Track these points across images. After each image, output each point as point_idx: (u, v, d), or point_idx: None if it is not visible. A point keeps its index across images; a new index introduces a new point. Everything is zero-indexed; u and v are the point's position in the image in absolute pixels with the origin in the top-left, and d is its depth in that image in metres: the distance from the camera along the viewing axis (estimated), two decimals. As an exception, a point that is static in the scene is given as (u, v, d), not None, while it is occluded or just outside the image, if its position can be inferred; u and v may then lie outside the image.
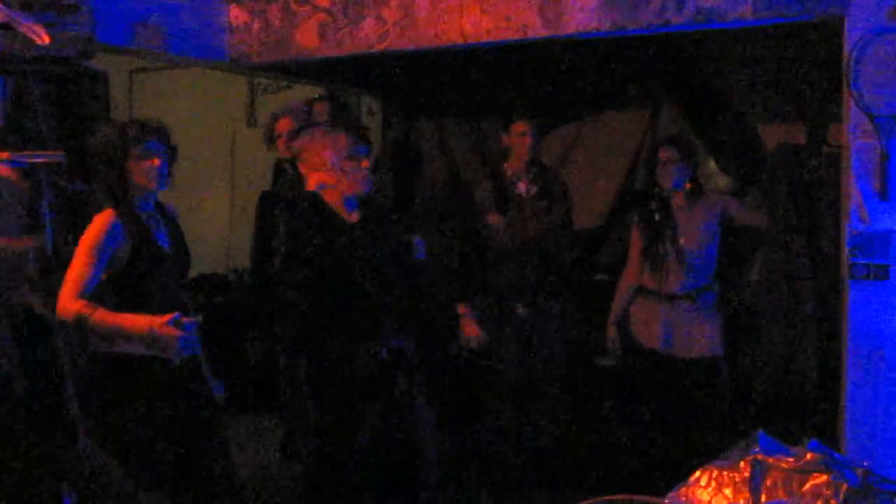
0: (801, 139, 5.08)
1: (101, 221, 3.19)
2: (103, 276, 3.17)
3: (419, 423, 3.65)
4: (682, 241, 4.34)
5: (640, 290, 4.49)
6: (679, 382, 4.38)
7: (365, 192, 3.55)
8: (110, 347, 3.17)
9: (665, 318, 4.38)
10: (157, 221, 3.34)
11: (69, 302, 3.05)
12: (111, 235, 3.15)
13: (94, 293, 3.13)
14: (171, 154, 3.33)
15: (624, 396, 4.94)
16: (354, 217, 3.57)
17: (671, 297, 4.36)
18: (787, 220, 4.90)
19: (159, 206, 3.38)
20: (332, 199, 3.53)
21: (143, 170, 3.24)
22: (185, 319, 3.06)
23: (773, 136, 5.11)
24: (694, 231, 4.35)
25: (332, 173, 3.49)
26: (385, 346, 3.51)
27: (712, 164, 5.09)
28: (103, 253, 3.14)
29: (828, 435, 3.99)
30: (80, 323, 3.04)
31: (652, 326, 4.41)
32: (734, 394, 4.50)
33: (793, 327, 4.97)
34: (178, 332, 3.02)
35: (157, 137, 3.29)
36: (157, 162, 3.26)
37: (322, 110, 4.98)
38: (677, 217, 4.37)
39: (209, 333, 3.48)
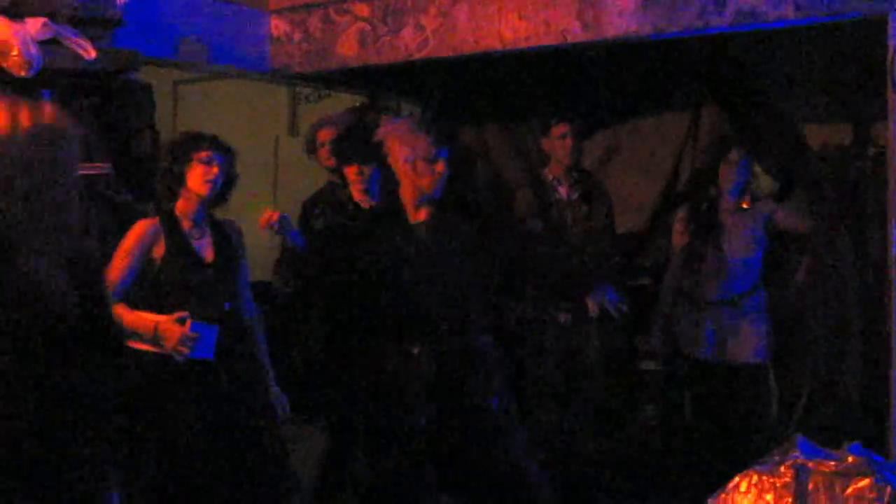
0: (847, 140, 5.01)
1: (140, 226, 3.33)
2: (139, 280, 3.29)
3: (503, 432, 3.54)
4: (724, 247, 4.28)
5: (683, 295, 4.45)
6: (723, 389, 4.34)
7: (435, 194, 3.53)
8: (135, 344, 3.25)
9: (708, 323, 4.34)
10: (203, 231, 3.40)
11: None
12: (147, 238, 3.29)
13: (127, 295, 3.27)
14: (229, 171, 3.43)
15: (667, 401, 4.90)
16: (421, 215, 3.55)
17: (713, 303, 4.32)
18: (832, 223, 4.83)
19: (210, 217, 3.44)
20: (403, 196, 3.54)
21: (200, 174, 3.34)
22: (195, 321, 3.16)
23: (817, 136, 5.04)
24: (738, 239, 4.30)
25: (404, 171, 3.50)
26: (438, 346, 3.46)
27: (755, 166, 5.03)
28: (137, 254, 3.28)
29: (876, 440, 3.93)
30: None
31: (695, 332, 4.37)
32: (780, 400, 4.45)
33: (839, 331, 4.89)
34: (179, 329, 3.13)
35: (222, 151, 3.42)
36: (215, 170, 3.36)
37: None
38: (724, 222, 4.32)
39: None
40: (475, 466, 3.50)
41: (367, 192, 4.14)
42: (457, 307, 3.47)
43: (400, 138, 3.51)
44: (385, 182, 3.66)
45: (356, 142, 4.10)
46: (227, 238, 3.48)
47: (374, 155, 3.93)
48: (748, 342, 4.31)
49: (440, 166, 3.47)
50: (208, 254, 3.39)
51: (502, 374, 3.58)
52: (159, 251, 3.29)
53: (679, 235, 4.52)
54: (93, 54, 3.44)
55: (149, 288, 3.31)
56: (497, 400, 3.52)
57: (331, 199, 4.25)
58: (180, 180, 3.34)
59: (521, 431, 3.63)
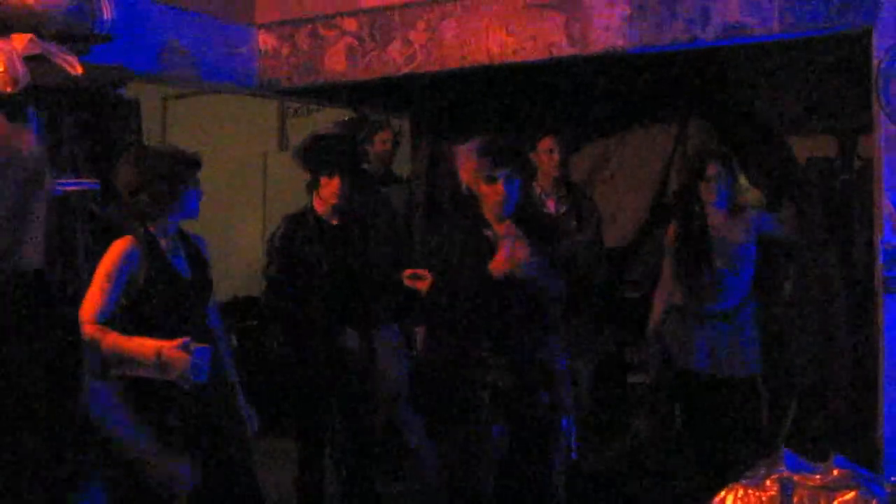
0: (833, 152, 5.04)
1: (119, 247, 3.19)
2: (122, 302, 3.19)
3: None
4: (718, 262, 4.27)
5: (676, 308, 4.44)
6: (715, 402, 4.33)
7: (504, 213, 3.53)
8: (124, 371, 3.16)
9: (701, 336, 4.32)
10: (178, 247, 3.35)
11: (85, 325, 3.06)
12: (127, 260, 3.16)
13: (113, 319, 3.16)
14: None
15: (657, 414, 4.90)
16: (501, 230, 3.55)
17: (707, 316, 4.31)
18: (819, 235, 4.85)
19: (181, 233, 3.40)
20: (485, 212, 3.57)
21: (191, 196, 3.27)
22: (195, 345, 3.05)
23: (804, 149, 5.07)
24: (730, 252, 4.27)
25: (475, 191, 3.56)
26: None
27: (743, 179, 5.05)
28: (119, 278, 3.15)
29: (864, 451, 3.94)
30: (93, 347, 3.06)
31: (688, 345, 4.36)
32: (768, 411, 4.45)
33: (827, 343, 4.91)
34: (187, 357, 3.01)
35: (200, 168, 3.35)
36: (200, 190, 3.31)
37: (387, 137, 5.15)
38: (713, 236, 4.30)
39: (243, 357, 3.51)
40: (526, 480, 3.55)
41: (336, 205, 4.14)
42: (535, 320, 3.51)
43: (463, 162, 3.58)
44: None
45: (322, 151, 4.12)
46: (198, 252, 3.41)
47: (343, 167, 3.99)
48: (740, 355, 4.29)
49: (499, 187, 3.48)
50: (187, 272, 3.32)
51: (570, 392, 3.60)
52: (140, 273, 3.17)
53: (670, 249, 4.52)
54: (79, 70, 3.43)
55: (128, 311, 3.21)
56: (566, 421, 3.55)
57: (307, 213, 4.25)
58: (174, 202, 3.25)
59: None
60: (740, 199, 4.49)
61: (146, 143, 4.07)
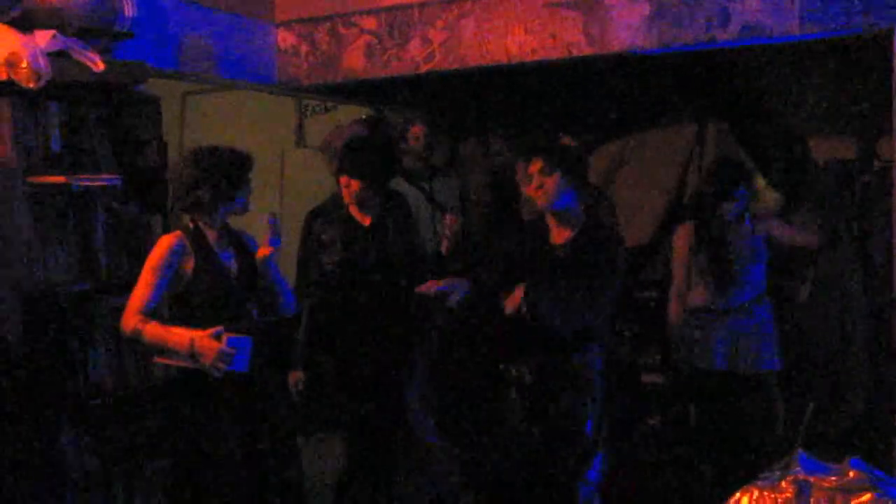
0: (851, 154, 5.02)
1: (167, 241, 3.30)
2: (171, 293, 3.29)
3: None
4: (731, 258, 4.30)
5: (692, 310, 4.44)
6: (733, 399, 4.32)
7: (546, 208, 3.54)
8: (165, 361, 3.28)
9: (720, 334, 4.33)
10: (225, 241, 3.41)
11: (129, 318, 3.21)
12: (174, 254, 3.26)
13: (156, 310, 3.26)
14: None
15: (670, 414, 4.89)
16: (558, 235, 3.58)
17: (724, 312, 4.32)
18: (837, 237, 4.83)
19: (227, 228, 3.45)
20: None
21: (247, 195, 3.39)
22: (230, 335, 3.13)
23: (822, 151, 5.06)
24: (741, 249, 4.31)
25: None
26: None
27: (761, 180, 5.04)
28: (165, 271, 3.25)
29: (880, 454, 3.92)
30: (137, 337, 3.20)
31: (707, 344, 4.35)
32: (785, 414, 4.43)
33: (844, 345, 4.89)
34: (217, 346, 3.10)
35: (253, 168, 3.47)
36: (251, 187, 3.42)
37: (419, 133, 5.14)
38: (726, 236, 4.34)
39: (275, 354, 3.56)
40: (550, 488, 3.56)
41: (359, 204, 4.17)
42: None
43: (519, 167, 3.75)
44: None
45: (349, 154, 4.15)
46: (245, 248, 3.48)
47: (366, 170, 4.02)
48: (758, 350, 4.30)
49: (534, 183, 3.51)
50: (233, 265, 3.39)
51: (601, 398, 3.56)
52: (188, 265, 3.27)
53: (680, 250, 4.52)
54: (101, 66, 3.46)
55: (177, 303, 3.30)
56: (590, 424, 3.53)
57: (333, 210, 4.28)
58: (229, 198, 3.33)
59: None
60: (758, 204, 4.51)
61: (165, 138, 4.10)
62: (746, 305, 4.33)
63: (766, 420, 4.35)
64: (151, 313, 3.22)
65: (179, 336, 3.15)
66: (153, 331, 3.16)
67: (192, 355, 3.13)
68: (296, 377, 4.20)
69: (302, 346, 4.21)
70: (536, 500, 3.58)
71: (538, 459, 3.52)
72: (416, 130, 5.16)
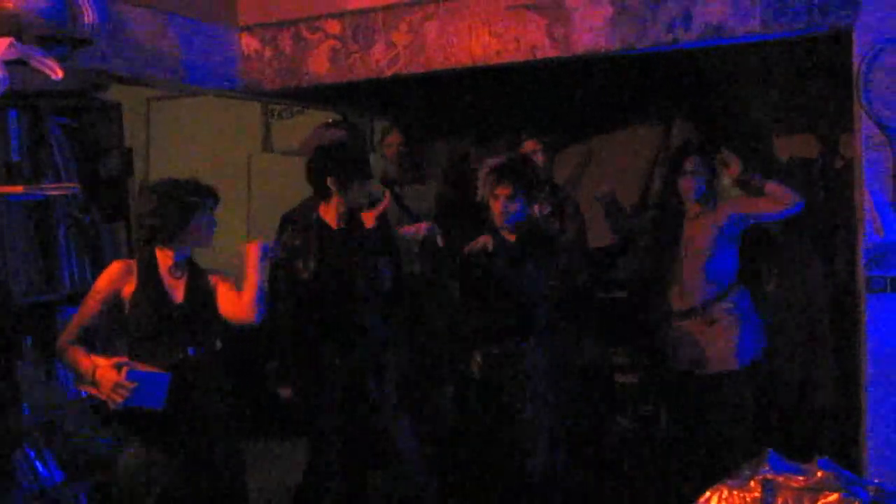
0: (814, 152, 5.06)
1: (114, 266, 3.30)
2: (108, 320, 3.28)
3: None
4: (688, 254, 4.26)
5: (659, 308, 4.41)
6: (702, 399, 4.29)
7: (504, 223, 4.09)
8: (84, 387, 3.25)
9: (684, 333, 4.32)
10: (182, 272, 3.35)
11: (62, 338, 3.23)
12: (116, 278, 3.25)
13: (91, 335, 3.25)
14: None
15: (641, 414, 4.90)
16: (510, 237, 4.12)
17: (685, 313, 4.31)
18: (801, 234, 4.86)
19: (191, 263, 3.39)
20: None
21: (201, 226, 3.33)
22: (133, 369, 3.07)
23: (785, 149, 5.10)
24: (702, 243, 4.26)
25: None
26: None
27: (726, 179, 5.07)
28: (105, 295, 3.23)
29: (847, 449, 3.96)
30: (60, 358, 3.27)
31: (673, 342, 4.35)
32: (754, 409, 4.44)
33: (810, 342, 4.93)
34: (115, 377, 3.04)
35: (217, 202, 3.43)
36: (214, 220, 3.38)
37: (394, 141, 5.18)
38: (686, 229, 4.30)
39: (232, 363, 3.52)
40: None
41: (342, 213, 4.18)
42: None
43: (482, 175, 4.14)
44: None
45: (333, 159, 4.19)
46: (202, 282, 3.40)
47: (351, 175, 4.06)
48: (724, 349, 4.25)
49: (500, 204, 4.07)
50: (178, 294, 3.32)
51: (548, 382, 4.01)
52: (129, 289, 3.24)
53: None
54: (60, 74, 3.40)
55: (120, 330, 3.30)
56: (530, 407, 3.95)
57: (304, 215, 4.25)
58: (183, 228, 3.28)
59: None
60: (720, 198, 4.48)
61: (130, 146, 4.06)
62: (709, 303, 4.26)
63: (734, 415, 4.31)
64: (83, 338, 3.19)
65: (85, 363, 3.12)
66: (70, 355, 3.16)
67: (94, 383, 3.09)
68: (287, 392, 4.19)
69: (283, 358, 4.18)
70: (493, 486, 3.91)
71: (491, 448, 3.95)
72: (392, 139, 5.19)
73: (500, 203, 4.05)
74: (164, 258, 3.31)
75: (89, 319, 3.21)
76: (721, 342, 4.25)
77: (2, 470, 2.87)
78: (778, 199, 4.15)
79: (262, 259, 3.38)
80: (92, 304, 3.22)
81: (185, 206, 3.25)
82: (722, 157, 4.26)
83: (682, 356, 4.31)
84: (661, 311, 4.40)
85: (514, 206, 4.06)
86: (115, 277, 3.25)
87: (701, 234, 4.28)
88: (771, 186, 4.16)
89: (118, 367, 3.06)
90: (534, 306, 4.04)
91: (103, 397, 3.07)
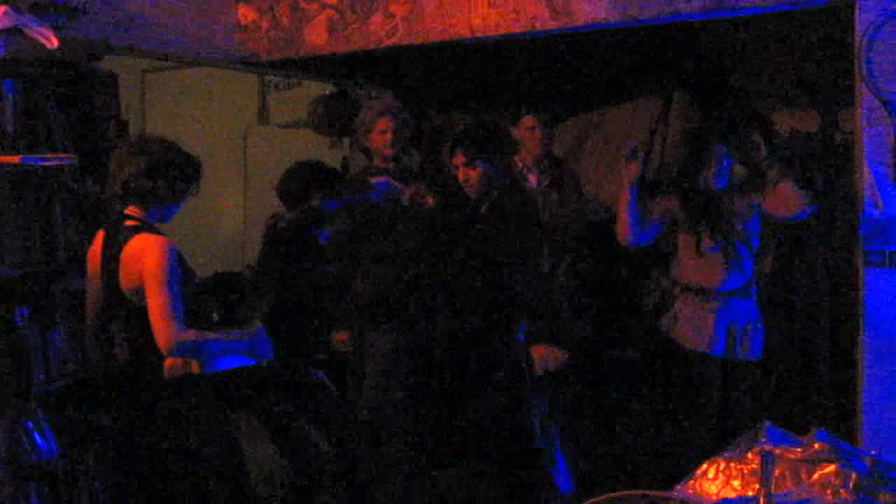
0: (815, 126, 5.03)
1: (162, 248, 3.07)
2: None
3: None
4: (733, 235, 4.12)
5: (687, 289, 4.21)
6: (724, 385, 4.19)
7: (474, 196, 4.00)
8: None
9: (718, 318, 4.11)
10: None
11: (180, 332, 3.01)
12: (176, 258, 3.10)
13: None
14: None
15: (644, 390, 4.87)
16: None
17: (722, 295, 4.12)
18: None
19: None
20: None
21: (180, 202, 3.27)
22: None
23: (785, 123, 5.07)
24: (738, 228, 4.13)
25: None
26: None
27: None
28: (179, 277, 3.08)
29: (843, 423, 3.97)
30: (194, 347, 3.10)
31: (704, 328, 4.14)
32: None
33: (810, 316, 4.92)
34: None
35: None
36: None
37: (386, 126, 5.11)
38: (723, 211, 4.16)
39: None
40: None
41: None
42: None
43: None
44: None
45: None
46: None
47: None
48: (754, 338, 4.15)
49: (467, 172, 3.96)
50: None
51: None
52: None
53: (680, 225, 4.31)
54: (55, 43, 3.38)
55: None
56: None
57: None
58: (176, 198, 3.22)
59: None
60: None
61: (125, 118, 4.03)
62: (743, 288, 4.13)
63: (747, 403, 4.23)
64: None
65: (236, 338, 3.25)
66: (205, 337, 3.12)
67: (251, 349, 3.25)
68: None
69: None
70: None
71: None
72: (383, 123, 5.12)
73: (460, 172, 3.98)
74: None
75: (181, 303, 3.04)
76: (758, 329, 4.12)
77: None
78: (788, 203, 4.03)
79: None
80: (172, 288, 3.03)
81: (185, 177, 3.20)
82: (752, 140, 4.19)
83: (714, 341, 4.15)
84: (688, 292, 4.26)
85: (474, 174, 3.94)
86: (174, 257, 3.09)
87: (739, 215, 4.12)
88: (784, 187, 4.02)
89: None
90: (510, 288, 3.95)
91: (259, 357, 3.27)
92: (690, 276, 4.21)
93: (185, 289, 3.11)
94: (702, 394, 4.16)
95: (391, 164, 4.28)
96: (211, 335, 3.17)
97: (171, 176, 3.14)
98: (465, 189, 3.99)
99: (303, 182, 3.98)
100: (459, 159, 3.96)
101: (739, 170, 4.21)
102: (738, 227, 4.13)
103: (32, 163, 3.39)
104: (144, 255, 3.05)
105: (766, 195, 4.12)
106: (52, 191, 3.55)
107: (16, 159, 3.35)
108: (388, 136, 4.26)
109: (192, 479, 3.26)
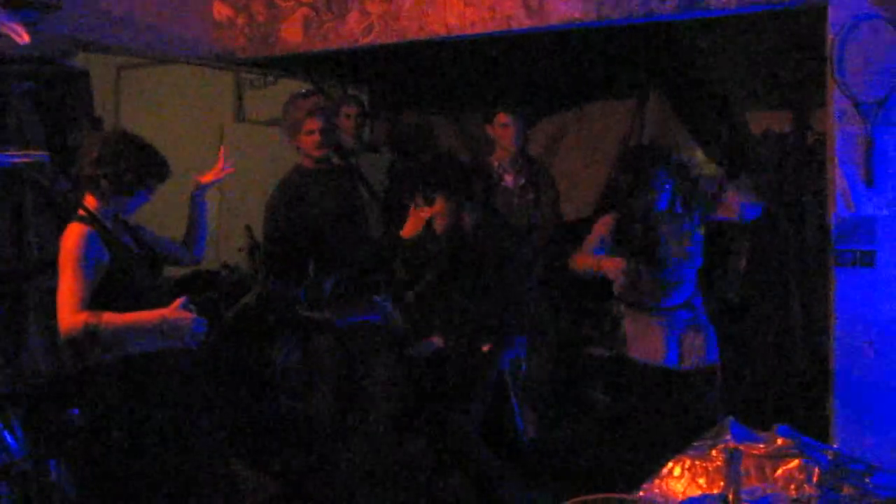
0: (787, 127, 5.07)
1: (77, 235, 3.12)
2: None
3: None
4: (666, 257, 4.13)
5: (632, 305, 4.22)
6: (679, 395, 4.21)
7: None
8: (119, 351, 3.17)
9: (666, 330, 4.14)
10: (119, 228, 3.30)
11: (73, 315, 3.03)
12: (91, 247, 3.11)
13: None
14: None
15: (614, 386, 4.89)
16: None
17: (669, 310, 4.14)
18: (773, 208, 4.87)
19: (117, 216, 3.32)
20: None
21: (142, 197, 3.25)
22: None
23: (759, 123, 5.10)
24: (677, 245, 4.14)
25: None
26: None
27: (700, 154, 5.08)
28: (89, 264, 3.10)
29: (816, 421, 3.99)
30: (91, 332, 3.04)
31: (650, 340, 4.17)
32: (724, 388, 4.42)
33: (781, 316, 4.95)
34: (190, 315, 3.06)
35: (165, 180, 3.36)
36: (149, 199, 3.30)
37: (351, 112, 5.09)
38: (661, 231, 4.14)
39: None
40: None
41: None
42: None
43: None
44: None
45: None
46: (138, 232, 3.37)
47: None
48: (704, 345, 4.14)
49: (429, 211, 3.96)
50: (133, 247, 3.30)
51: None
52: (103, 255, 3.14)
53: (591, 239, 4.30)
54: (26, 39, 3.36)
55: (99, 293, 3.14)
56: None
57: None
58: (134, 192, 3.21)
59: None
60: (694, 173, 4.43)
61: (99, 115, 4.01)
62: (685, 303, 4.15)
63: (711, 408, 4.25)
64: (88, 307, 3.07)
65: (144, 316, 3.08)
66: (111, 319, 3.03)
67: (163, 332, 3.07)
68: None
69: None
70: None
71: None
72: (349, 109, 5.14)
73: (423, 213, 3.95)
74: (100, 216, 3.21)
75: (84, 289, 3.06)
76: (706, 336, 4.14)
77: None
78: (731, 209, 4.07)
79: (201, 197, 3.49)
80: (79, 273, 3.06)
81: (143, 169, 3.18)
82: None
83: (663, 353, 4.18)
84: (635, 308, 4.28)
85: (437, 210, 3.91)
86: (88, 244, 3.10)
87: (677, 233, 4.11)
88: (729, 196, 4.08)
89: (186, 307, 3.06)
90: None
91: (181, 342, 3.10)
92: (631, 294, 4.20)
93: (97, 276, 3.11)
94: (656, 406, 4.18)
95: (322, 166, 4.16)
96: (117, 319, 3.05)
97: (120, 167, 3.12)
98: (435, 227, 3.94)
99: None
100: (420, 200, 3.92)
101: (710, 168, 4.24)
102: (678, 249, 4.11)
103: (3, 160, 3.37)
104: (63, 242, 3.11)
105: (718, 207, 4.12)
106: (23, 188, 3.53)
107: (-14, 156, 3.34)
108: (317, 136, 4.09)
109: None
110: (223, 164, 3.53)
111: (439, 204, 3.89)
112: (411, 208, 3.96)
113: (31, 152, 3.50)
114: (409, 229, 3.95)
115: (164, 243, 3.48)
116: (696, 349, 4.14)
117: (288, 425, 4.55)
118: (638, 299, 4.18)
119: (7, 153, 3.40)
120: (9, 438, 3.43)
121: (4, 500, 3.21)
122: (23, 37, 3.37)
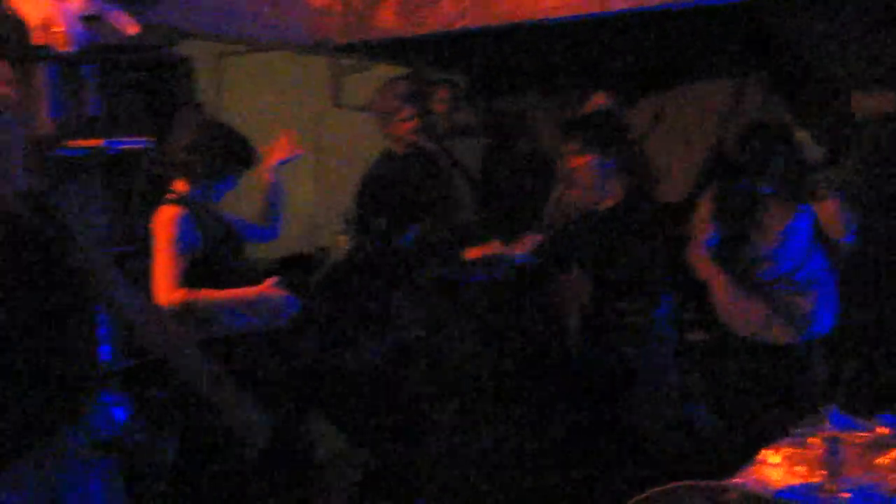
0: (891, 107, 4.90)
1: (172, 216, 3.28)
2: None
3: None
4: (767, 240, 4.05)
5: (729, 275, 4.22)
6: (769, 368, 4.15)
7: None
8: (209, 332, 3.25)
9: (756, 303, 4.12)
10: (206, 210, 3.41)
11: (171, 293, 3.15)
12: (186, 228, 3.25)
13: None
14: None
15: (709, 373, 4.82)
16: None
17: (762, 283, 4.11)
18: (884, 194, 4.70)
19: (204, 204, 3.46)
20: None
21: (229, 184, 3.44)
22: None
23: (867, 105, 4.94)
24: (773, 232, 4.06)
25: None
26: None
27: (804, 135, 4.93)
28: (184, 244, 3.23)
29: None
30: (189, 308, 3.15)
31: (750, 311, 4.15)
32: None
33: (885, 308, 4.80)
34: (285, 293, 3.15)
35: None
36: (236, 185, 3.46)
37: (445, 96, 5.11)
38: (760, 217, 4.07)
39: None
40: None
41: None
42: None
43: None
44: None
45: None
46: (215, 212, 3.48)
47: None
48: (810, 316, 4.10)
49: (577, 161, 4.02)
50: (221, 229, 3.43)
51: None
52: (197, 236, 3.29)
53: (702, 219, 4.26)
54: (134, 29, 3.48)
55: (192, 272, 3.29)
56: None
57: None
58: (221, 177, 3.36)
59: None
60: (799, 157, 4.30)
61: (202, 102, 4.11)
62: (785, 275, 4.09)
63: (801, 386, 4.17)
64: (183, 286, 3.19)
65: (242, 293, 3.18)
66: (208, 295, 3.14)
67: (262, 308, 3.17)
68: None
69: None
70: None
71: None
72: (441, 94, 5.16)
73: (569, 160, 3.97)
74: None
75: (181, 267, 3.20)
76: (803, 309, 4.09)
77: (71, 412, 2.95)
78: (829, 226, 3.99)
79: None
80: (174, 252, 3.21)
81: (235, 158, 3.29)
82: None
83: (761, 325, 4.12)
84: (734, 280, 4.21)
85: (583, 162, 3.91)
86: (182, 224, 3.28)
87: (776, 223, 4.07)
88: (829, 206, 3.95)
89: (279, 285, 3.19)
90: None
91: (274, 317, 3.21)
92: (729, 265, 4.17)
93: (191, 256, 3.21)
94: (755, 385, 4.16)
95: (412, 150, 4.16)
96: (214, 296, 3.16)
97: (210, 153, 3.24)
98: (574, 179, 3.92)
99: None
100: (569, 147, 3.90)
101: (814, 151, 4.13)
102: (773, 234, 4.07)
103: (114, 147, 3.49)
104: (156, 224, 3.25)
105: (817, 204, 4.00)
106: (131, 174, 3.65)
107: (98, 143, 3.46)
108: (411, 122, 4.13)
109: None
110: (289, 145, 3.60)
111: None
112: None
113: (140, 138, 3.62)
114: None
115: (241, 224, 3.58)
116: (797, 320, 4.04)
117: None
118: (738, 272, 4.14)
119: (118, 139, 3.53)
120: (119, 413, 3.57)
121: (115, 472, 3.34)
122: (131, 28, 3.49)
